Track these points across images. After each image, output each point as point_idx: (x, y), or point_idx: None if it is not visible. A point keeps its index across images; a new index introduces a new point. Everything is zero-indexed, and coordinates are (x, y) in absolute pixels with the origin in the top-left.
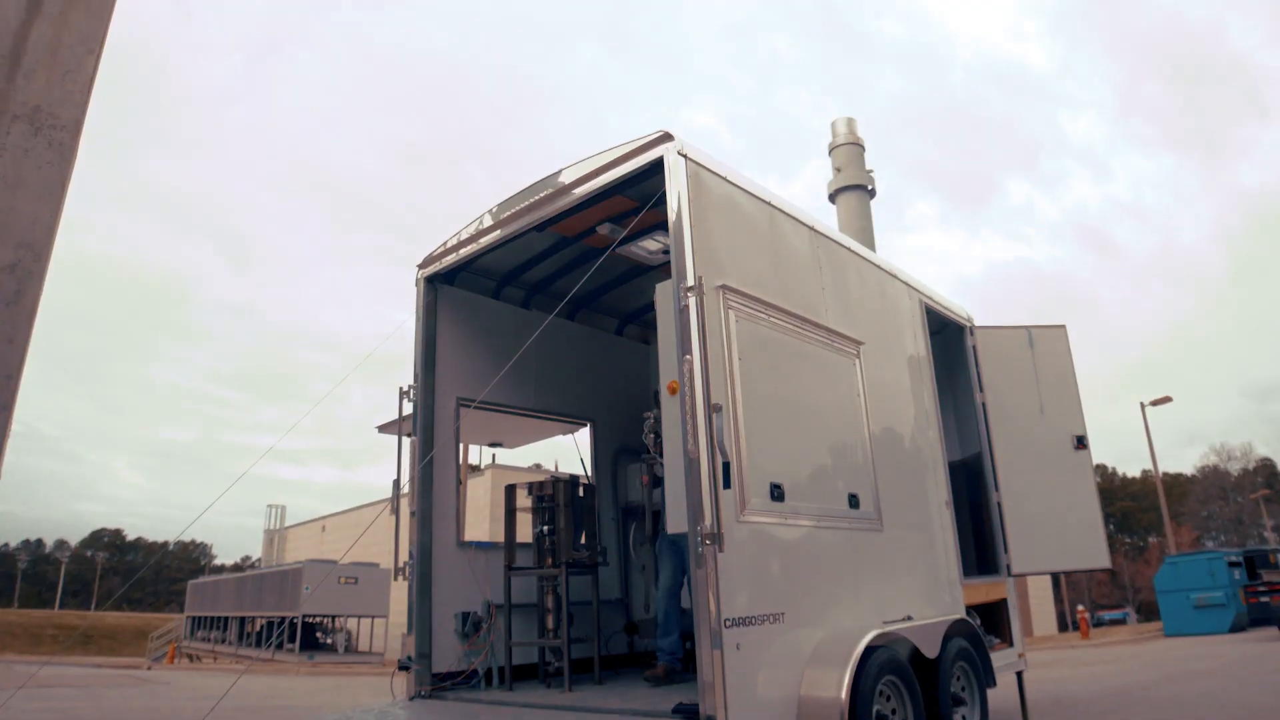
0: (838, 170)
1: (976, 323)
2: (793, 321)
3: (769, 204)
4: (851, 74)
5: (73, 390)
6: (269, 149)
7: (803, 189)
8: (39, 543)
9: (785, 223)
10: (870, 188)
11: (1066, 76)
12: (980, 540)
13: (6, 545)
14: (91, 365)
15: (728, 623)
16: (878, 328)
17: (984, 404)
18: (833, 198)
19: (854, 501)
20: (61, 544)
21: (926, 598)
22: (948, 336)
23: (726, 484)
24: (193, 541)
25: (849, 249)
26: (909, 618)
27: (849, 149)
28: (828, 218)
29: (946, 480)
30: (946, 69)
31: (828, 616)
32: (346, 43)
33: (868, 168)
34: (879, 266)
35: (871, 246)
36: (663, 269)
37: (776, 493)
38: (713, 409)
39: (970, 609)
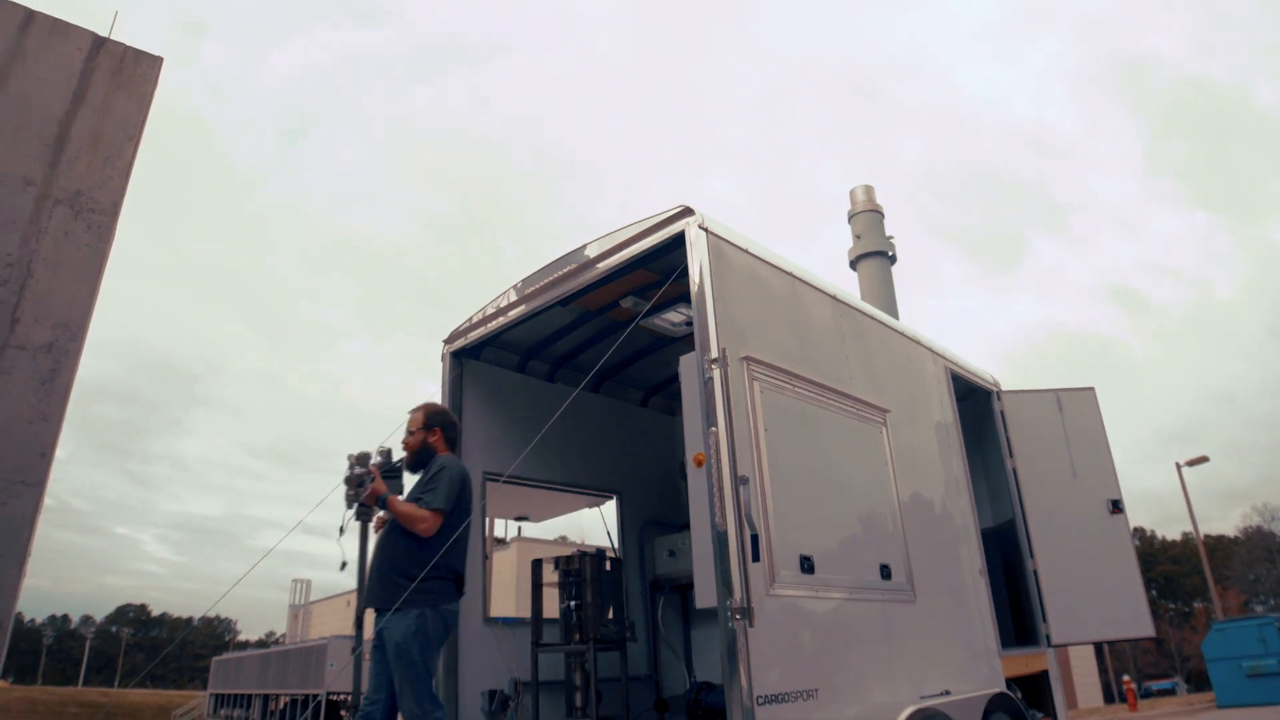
0: (857, 237)
1: (1004, 387)
2: (818, 391)
3: (790, 274)
4: (876, 141)
5: (105, 465)
6: (301, 223)
7: (823, 255)
8: (64, 618)
9: (807, 292)
10: (891, 254)
11: (1094, 137)
12: (1017, 610)
13: (32, 621)
14: (125, 439)
15: (760, 700)
16: (904, 395)
17: (1015, 469)
18: (853, 265)
19: (885, 572)
20: (87, 619)
21: (964, 671)
22: (975, 402)
23: (755, 557)
24: (217, 617)
25: (872, 317)
26: (947, 692)
27: (868, 216)
28: (849, 285)
29: (980, 548)
30: (973, 134)
31: (862, 692)
32: (379, 120)
33: (888, 234)
34: (903, 333)
35: (894, 313)
36: (686, 340)
37: (806, 565)
38: (739, 481)
39: (1010, 682)
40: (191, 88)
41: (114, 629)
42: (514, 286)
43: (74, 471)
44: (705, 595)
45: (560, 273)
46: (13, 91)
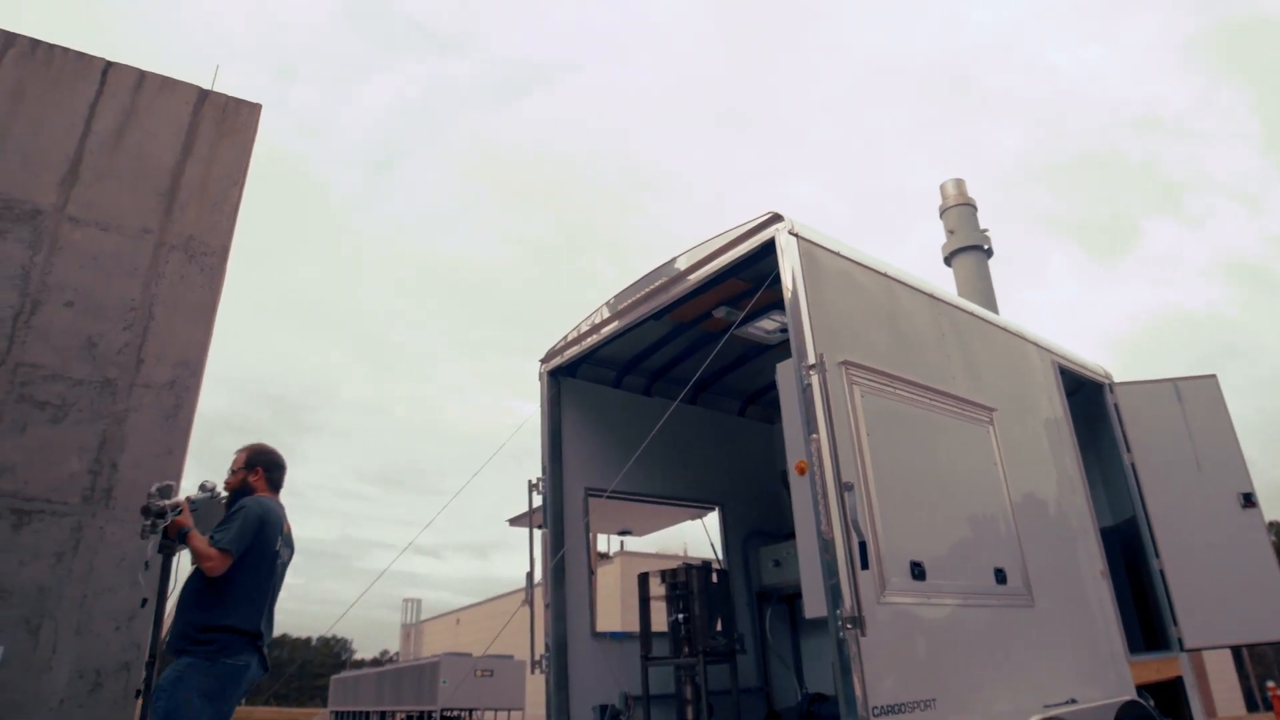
0: (951, 233)
1: (1117, 378)
2: (920, 392)
3: (884, 274)
4: (970, 132)
5: None
6: (397, 252)
7: (916, 253)
8: None
9: (903, 292)
10: (987, 247)
11: (1205, 110)
12: (1145, 613)
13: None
14: None
15: (876, 710)
16: (1009, 392)
17: (1133, 465)
18: (948, 261)
19: (1000, 576)
20: None
21: (1089, 678)
22: (1085, 396)
23: (864, 564)
24: (334, 637)
25: (971, 313)
26: (1073, 700)
27: (960, 210)
28: (944, 282)
29: (1100, 548)
30: (1073, 117)
31: (983, 701)
32: (466, 146)
33: (982, 227)
34: (1005, 329)
35: (993, 308)
36: (781, 347)
37: (917, 571)
38: (844, 487)
39: (1141, 689)
40: (287, 130)
41: None
42: (607, 303)
43: None
44: (814, 605)
45: (652, 286)
46: (129, 147)
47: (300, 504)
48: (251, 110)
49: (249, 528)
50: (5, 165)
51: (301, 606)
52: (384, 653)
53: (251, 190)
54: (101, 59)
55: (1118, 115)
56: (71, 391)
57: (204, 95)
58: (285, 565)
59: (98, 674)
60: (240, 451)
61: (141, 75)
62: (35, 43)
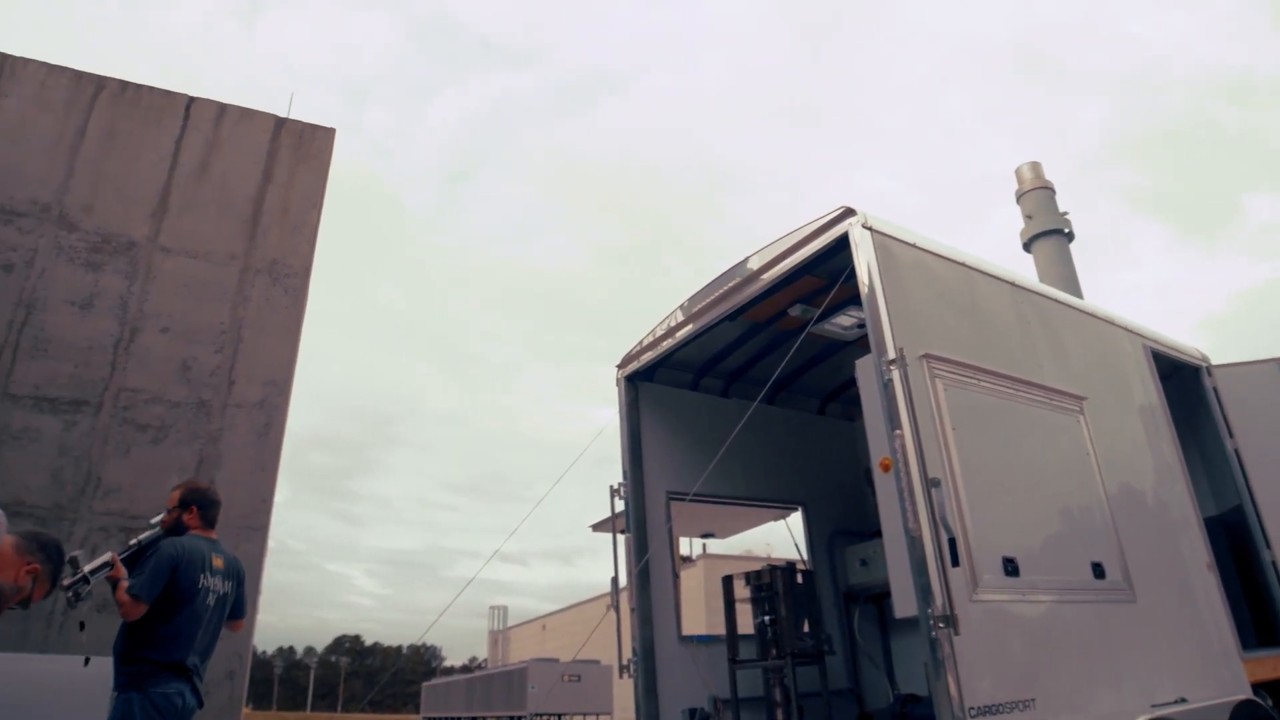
0: (1029, 218)
1: (1215, 360)
2: (1005, 383)
3: (963, 264)
4: (1050, 112)
5: (316, 507)
6: (473, 264)
7: (995, 240)
8: (291, 649)
9: (983, 281)
10: (1068, 231)
11: None
12: (1258, 607)
13: (265, 652)
14: (332, 482)
15: (972, 711)
16: (1099, 380)
17: (1236, 451)
18: (1027, 246)
19: (1098, 571)
20: (310, 650)
21: (1200, 676)
22: (1181, 380)
23: (955, 561)
24: (424, 644)
25: (1054, 299)
26: (1182, 700)
27: (1038, 194)
28: (1025, 269)
29: (1204, 539)
30: (1161, 89)
31: (1085, 701)
32: (538, 157)
33: (1062, 210)
34: (1092, 314)
35: (1076, 293)
36: (859, 343)
37: (1010, 567)
38: (931, 483)
39: (1257, 688)
40: (362, 151)
41: (333, 658)
42: (681, 306)
43: (290, 515)
44: (904, 604)
45: (725, 288)
46: (213, 177)
47: (389, 515)
48: (326, 135)
49: (161, 571)
50: (102, 201)
51: (392, 616)
52: (473, 659)
53: (329, 211)
54: (184, 95)
55: (1209, 84)
56: (170, 413)
57: (280, 123)
58: (225, 596)
59: (204, 682)
60: (174, 490)
61: (222, 108)
62: (124, 84)
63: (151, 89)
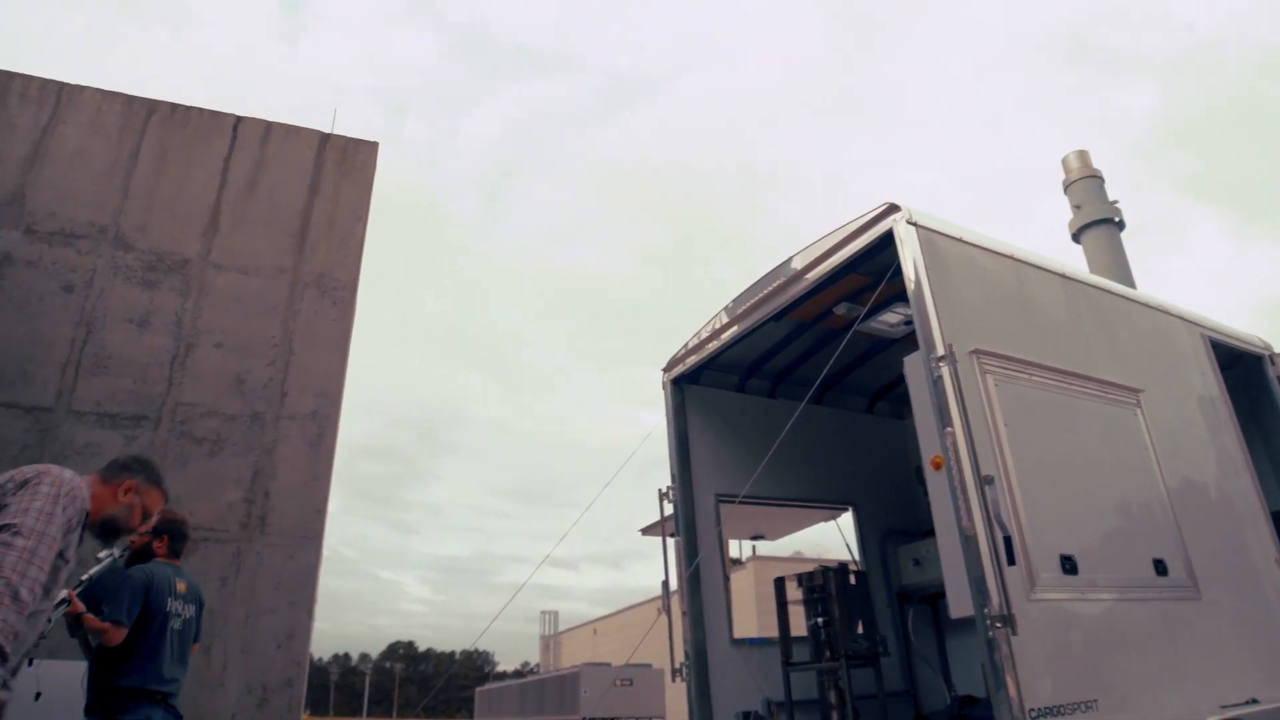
0: (1077, 207)
1: (1278, 349)
2: (1057, 377)
3: (1011, 257)
4: (1099, 98)
5: (368, 515)
6: (518, 271)
7: (1044, 232)
8: (346, 656)
9: (1031, 274)
10: (1117, 220)
11: None
12: None
13: (320, 659)
14: (384, 491)
15: (1033, 713)
16: (1156, 371)
17: None
18: (1076, 237)
19: (1160, 568)
20: (364, 657)
21: (1272, 676)
22: (1244, 370)
23: (1010, 560)
24: (476, 650)
25: (1107, 290)
26: (1254, 700)
27: (1086, 183)
28: (1075, 260)
29: (1272, 533)
30: (1213, 70)
31: (1150, 702)
32: (579, 163)
33: (1112, 199)
34: (1146, 304)
35: (1128, 282)
36: (907, 340)
37: (1068, 565)
38: (984, 481)
39: None
40: (403, 163)
41: (387, 665)
42: (725, 308)
43: (343, 524)
44: (960, 604)
45: (770, 288)
46: (261, 193)
47: (440, 522)
48: (369, 149)
49: (137, 595)
50: (156, 221)
51: (444, 622)
52: (525, 664)
53: (375, 224)
54: (232, 115)
55: (1263, 63)
56: (225, 426)
57: (325, 138)
58: (191, 619)
59: (264, 689)
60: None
61: (268, 126)
62: (174, 106)
63: (200, 110)
